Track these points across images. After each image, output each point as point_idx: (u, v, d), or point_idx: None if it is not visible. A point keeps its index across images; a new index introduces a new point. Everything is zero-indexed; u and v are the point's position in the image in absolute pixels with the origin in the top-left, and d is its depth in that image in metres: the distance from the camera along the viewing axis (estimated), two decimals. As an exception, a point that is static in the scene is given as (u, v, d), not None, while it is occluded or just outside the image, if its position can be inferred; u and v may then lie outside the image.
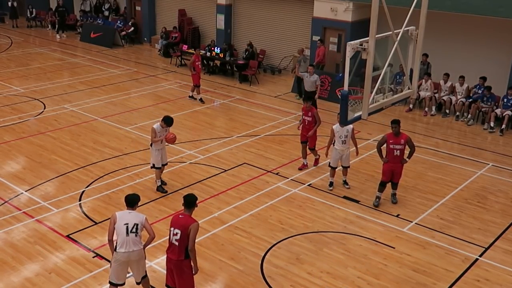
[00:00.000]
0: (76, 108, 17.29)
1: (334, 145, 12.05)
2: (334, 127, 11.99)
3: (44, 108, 17.19)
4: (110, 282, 8.01)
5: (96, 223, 10.59)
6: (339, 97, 11.39)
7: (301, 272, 9.29)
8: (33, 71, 21.67)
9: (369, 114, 10.55)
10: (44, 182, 12.20)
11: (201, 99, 18.39)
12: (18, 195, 11.61)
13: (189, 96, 18.58)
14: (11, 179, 12.32)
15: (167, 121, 11.50)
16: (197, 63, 18.42)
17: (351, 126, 11.65)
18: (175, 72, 22.41)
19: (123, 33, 27.25)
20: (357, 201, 11.77)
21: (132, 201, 8.00)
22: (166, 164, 12.06)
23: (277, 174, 13.01)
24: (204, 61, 22.74)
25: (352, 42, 10.15)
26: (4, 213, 10.82)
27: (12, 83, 19.81)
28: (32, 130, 15.31)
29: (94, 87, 19.68)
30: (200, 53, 19.03)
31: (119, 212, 7.93)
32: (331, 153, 12.24)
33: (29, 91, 18.97)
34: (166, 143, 11.67)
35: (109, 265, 9.04)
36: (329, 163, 12.27)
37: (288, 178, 12.76)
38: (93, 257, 9.50)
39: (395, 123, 11.31)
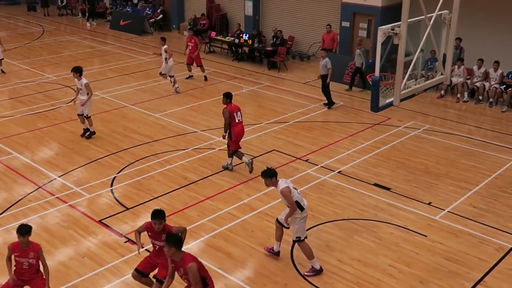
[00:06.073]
0: (107, 95, 17.47)
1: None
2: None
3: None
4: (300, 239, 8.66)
5: (127, 209, 10.71)
6: (370, 83, 11.25)
7: (331, 259, 9.25)
8: (64, 59, 21.96)
9: (401, 100, 10.41)
10: (77, 168, 12.39)
11: (190, 76, 19.65)
12: (51, 180, 11.81)
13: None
14: (45, 165, 12.54)
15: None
16: (187, 44, 19.33)
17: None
18: (204, 59, 22.32)
19: (152, 20, 27.37)
20: (388, 189, 11.65)
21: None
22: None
23: (306, 161, 12.95)
24: (233, 47, 22.78)
25: (383, 27, 10.00)
26: (38, 198, 11.03)
27: (44, 71, 20.11)
28: (64, 117, 15.53)
29: (124, 74, 19.84)
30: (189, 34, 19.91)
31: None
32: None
33: (61, 78, 19.23)
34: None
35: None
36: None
37: (317, 165, 12.69)
38: (125, 242, 9.62)
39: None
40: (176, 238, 6.83)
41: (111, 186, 11.61)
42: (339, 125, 15.30)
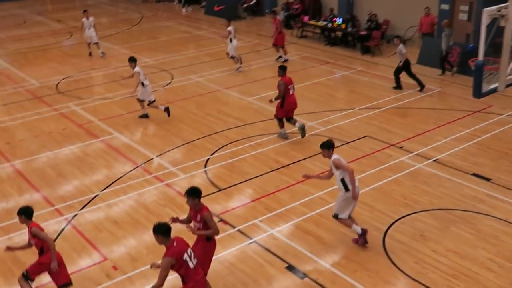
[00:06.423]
0: (201, 79, 17.90)
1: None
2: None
3: (172, 79, 18.00)
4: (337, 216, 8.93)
5: (220, 190, 10.96)
6: (472, 68, 10.73)
7: (426, 249, 8.97)
8: (161, 44, 22.73)
9: (506, 86, 9.88)
10: (173, 149, 12.82)
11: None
12: (149, 160, 12.31)
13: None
14: (143, 145, 13.09)
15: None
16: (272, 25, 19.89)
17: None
18: (296, 44, 22.35)
19: (245, 5, 27.61)
20: (488, 179, 11.08)
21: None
22: None
23: (400, 148, 12.60)
24: (325, 32, 22.54)
25: (488, 8, 9.51)
26: (137, 176, 11.55)
27: (143, 55, 20.90)
28: (161, 100, 16.04)
29: (218, 58, 20.18)
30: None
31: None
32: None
33: (158, 62, 19.94)
34: None
35: (231, 230, 9.41)
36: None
37: (412, 153, 12.31)
38: (218, 221, 9.83)
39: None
40: (163, 228, 6.68)
41: (205, 167, 11.92)
42: (436, 112, 14.74)
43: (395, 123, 14.03)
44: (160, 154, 12.55)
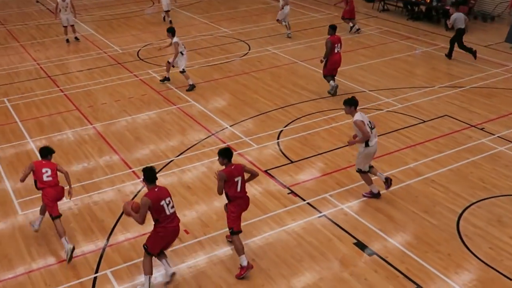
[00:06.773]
0: (278, 51, 17.83)
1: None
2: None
3: (249, 50, 18.04)
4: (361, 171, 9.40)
5: (291, 162, 10.97)
6: None
7: (503, 235, 8.62)
8: (240, 14, 22.77)
9: None
10: (246, 119, 12.93)
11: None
12: (223, 129, 12.49)
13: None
14: (218, 113, 13.28)
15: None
16: None
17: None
18: (377, 18, 21.74)
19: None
20: None
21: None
22: None
23: (481, 129, 12.07)
24: (408, 6, 21.77)
25: None
26: (211, 144, 11.77)
27: (221, 25, 21.07)
28: (237, 70, 16.21)
29: (295, 30, 19.99)
30: None
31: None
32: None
33: (236, 32, 20.01)
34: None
35: (301, 202, 9.44)
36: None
37: (494, 135, 11.77)
38: (288, 193, 9.90)
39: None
40: (148, 174, 7.28)
41: (278, 138, 11.95)
42: (523, 94, 13.99)
43: (478, 103, 13.43)
44: (234, 124, 12.69)
